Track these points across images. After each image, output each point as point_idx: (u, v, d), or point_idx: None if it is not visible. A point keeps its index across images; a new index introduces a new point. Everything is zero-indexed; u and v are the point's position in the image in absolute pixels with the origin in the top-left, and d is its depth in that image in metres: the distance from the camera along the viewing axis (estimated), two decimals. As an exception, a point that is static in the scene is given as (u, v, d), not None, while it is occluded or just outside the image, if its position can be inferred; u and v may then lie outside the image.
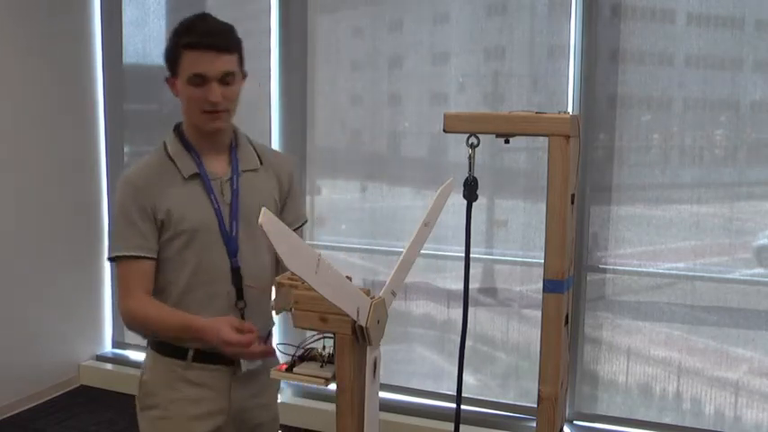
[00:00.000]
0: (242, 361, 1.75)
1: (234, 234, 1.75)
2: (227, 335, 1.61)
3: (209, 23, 1.70)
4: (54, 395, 4.04)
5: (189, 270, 1.74)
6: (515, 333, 3.55)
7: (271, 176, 1.85)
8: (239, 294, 1.76)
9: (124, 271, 1.73)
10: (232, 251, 1.75)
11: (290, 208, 1.89)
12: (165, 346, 1.78)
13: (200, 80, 1.66)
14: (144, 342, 1.88)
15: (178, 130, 1.80)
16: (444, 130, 1.59)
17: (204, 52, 1.65)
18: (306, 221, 1.97)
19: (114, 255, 1.73)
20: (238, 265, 1.76)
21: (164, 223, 1.72)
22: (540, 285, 1.53)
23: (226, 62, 1.68)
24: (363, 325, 1.34)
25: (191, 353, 1.75)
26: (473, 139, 1.57)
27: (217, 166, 1.78)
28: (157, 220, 1.71)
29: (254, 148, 1.86)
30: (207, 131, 1.75)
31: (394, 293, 1.45)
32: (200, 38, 1.65)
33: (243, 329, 1.63)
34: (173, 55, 1.68)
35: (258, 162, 1.84)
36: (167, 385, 1.78)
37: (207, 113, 1.70)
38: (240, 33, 1.77)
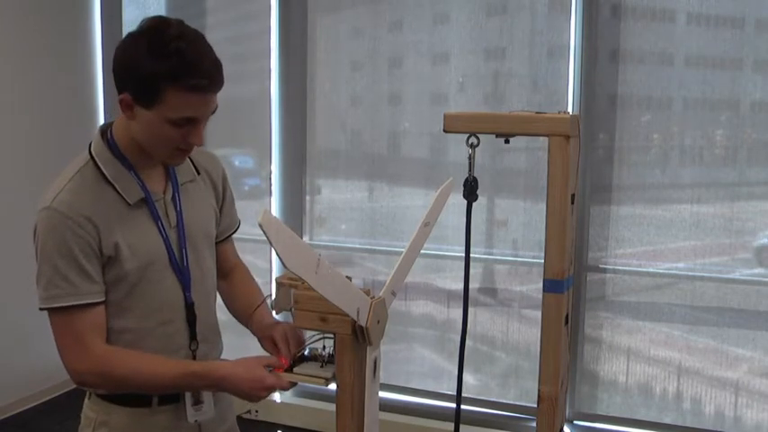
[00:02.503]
0: (188, 412, 1.54)
1: (186, 264, 1.53)
2: (272, 380, 1.45)
3: (206, 55, 1.38)
4: (54, 395, 4.03)
5: (141, 311, 1.49)
6: (515, 333, 3.55)
7: (207, 184, 1.64)
8: (192, 333, 1.55)
9: (72, 322, 1.41)
10: (186, 284, 1.53)
11: (225, 213, 1.70)
12: (125, 394, 1.51)
13: (186, 122, 1.38)
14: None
15: (108, 139, 1.48)
16: (444, 130, 1.59)
17: (205, 95, 1.38)
18: (239, 224, 1.77)
19: (60, 305, 1.39)
20: (192, 300, 1.55)
21: (110, 260, 1.43)
22: (540, 285, 1.53)
23: (215, 98, 1.42)
24: (363, 325, 1.34)
25: (155, 398, 1.52)
26: (473, 139, 1.58)
27: (155, 182, 1.52)
28: (104, 256, 1.42)
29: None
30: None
31: (394, 293, 1.45)
32: (208, 79, 1.36)
33: (272, 364, 1.49)
34: (155, 86, 1.33)
35: (195, 172, 1.61)
36: None
37: (180, 151, 1.46)
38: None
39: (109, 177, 1.45)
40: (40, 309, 1.42)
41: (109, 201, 1.44)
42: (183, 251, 1.54)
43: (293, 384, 1.49)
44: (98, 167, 1.45)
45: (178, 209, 1.54)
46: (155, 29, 1.36)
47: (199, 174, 1.62)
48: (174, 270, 1.52)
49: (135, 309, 1.48)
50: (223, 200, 1.69)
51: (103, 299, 1.44)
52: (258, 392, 1.46)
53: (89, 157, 1.46)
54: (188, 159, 1.58)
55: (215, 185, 1.66)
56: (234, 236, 1.79)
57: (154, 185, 1.51)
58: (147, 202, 1.48)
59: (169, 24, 1.36)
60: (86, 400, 1.57)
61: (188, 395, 1.53)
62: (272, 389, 1.46)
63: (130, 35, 1.38)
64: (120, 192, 1.45)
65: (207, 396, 1.55)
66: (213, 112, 1.43)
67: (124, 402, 1.51)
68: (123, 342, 1.48)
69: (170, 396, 1.53)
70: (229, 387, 1.47)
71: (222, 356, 1.70)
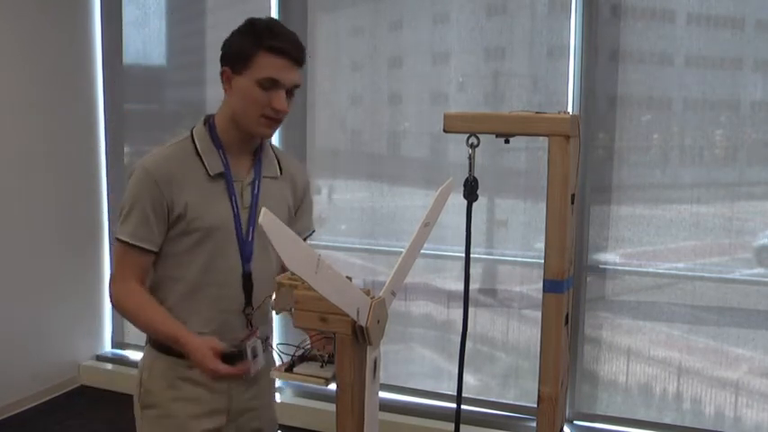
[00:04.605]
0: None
1: (250, 239, 1.75)
2: (214, 364, 1.62)
3: (289, 32, 1.69)
4: (54, 395, 4.04)
5: (198, 267, 1.72)
6: (515, 333, 3.55)
7: (287, 185, 1.86)
8: (248, 300, 1.76)
9: (123, 255, 1.73)
10: (246, 256, 1.75)
11: (299, 218, 1.90)
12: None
13: (271, 85, 1.65)
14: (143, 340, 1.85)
15: (209, 123, 1.76)
16: (444, 130, 1.59)
17: (286, 60, 1.65)
18: (313, 232, 1.97)
19: (121, 237, 1.71)
20: (250, 271, 1.75)
21: (179, 217, 1.69)
22: (540, 285, 1.53)
23: (298, 76, 1.69)
24: (363, 325, 1.34)
25: None
26: (473, 139, 1.57)
27: (240, 168, 1.76)
28: (173, 214, 1.69)
29: (276, 155, 1.86)
30: (253, 135, 1.74)
31: (394, 293, 1.45)
32: (288, 45, 1.65)
33: (226, 353, 1.65)
34: (247, 52, 1.65)
35: (278, 170, 1.84)
36: (168, 384, 1.77)
37: (265, 118, 1.69)
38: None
39: (199, 150, 1.72)
40: (115, 238, 1.74)
41: (193, 169, 1.71)
42: (251, 228, 1.74)
43: (240, 372, 1.65)
44: (194, 143, 1.73)
45: (255, 192, 1.76)
46: (248, 21, 1.69)
47: (282, 174, 1.84)
48: (237, 240, 1.73)
49: (194, 262, 1.72)
50: (301, 203, 1.90)
51: (155, 250, 1.71)
52: (202, 363, 1.62)
53: (189, 135, 1.75)
54: (275, 160, 1.84)
55: (295, 189, 1.88)
56: None
57: (239, 170, 1.76)
58: (225, 178, 1.73)
59: (260, 18, 1.71)
60: (144, 348, 1.83)
61: (249, 348, 1.71)
62: (215, 371, 1.62)
63: (232, 32, 1.70)
64: (205, 163, 1.71)
65: (260, 351, 1.74)
66: (297, 86, 1.69)
67: (165, 351, 1.75)
68: (178, 292, 1.74)
69: None
70: (188, 353, 1.65)
71: None
